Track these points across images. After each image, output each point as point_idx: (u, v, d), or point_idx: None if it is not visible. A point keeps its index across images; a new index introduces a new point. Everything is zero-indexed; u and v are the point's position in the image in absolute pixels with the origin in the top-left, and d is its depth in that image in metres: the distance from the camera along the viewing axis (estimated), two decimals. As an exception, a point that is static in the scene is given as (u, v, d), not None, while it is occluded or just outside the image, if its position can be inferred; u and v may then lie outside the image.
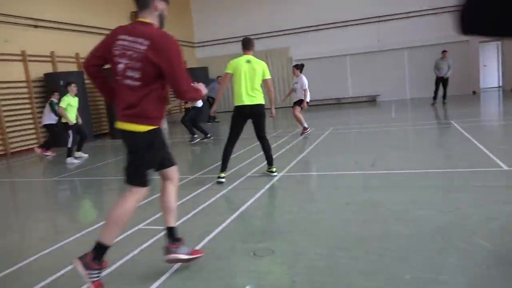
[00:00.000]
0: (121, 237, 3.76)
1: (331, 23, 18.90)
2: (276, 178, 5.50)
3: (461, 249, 2.94)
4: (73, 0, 13.21)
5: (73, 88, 8.94)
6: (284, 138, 9.24)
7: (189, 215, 4.18)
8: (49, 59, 12.19)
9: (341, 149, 7.51)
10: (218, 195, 4.92)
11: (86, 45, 13.29)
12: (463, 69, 16.82)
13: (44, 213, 5.17)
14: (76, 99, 9.06)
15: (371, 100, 18.10)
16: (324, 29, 19.08)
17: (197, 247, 3.27)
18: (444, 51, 13.75)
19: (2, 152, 10.59)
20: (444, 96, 13.94)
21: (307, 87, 9.17)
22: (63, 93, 11.64)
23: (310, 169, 6.02)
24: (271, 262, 2.98)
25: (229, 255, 3.15)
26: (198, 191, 5.20)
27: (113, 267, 3.10)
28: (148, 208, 4.76)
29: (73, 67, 12.92)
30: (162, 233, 3.14)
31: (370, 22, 18.34)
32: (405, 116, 12.07)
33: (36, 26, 11.73)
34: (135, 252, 3.38)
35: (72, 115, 8.81)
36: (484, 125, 8.37)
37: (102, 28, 14.29)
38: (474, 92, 16.98)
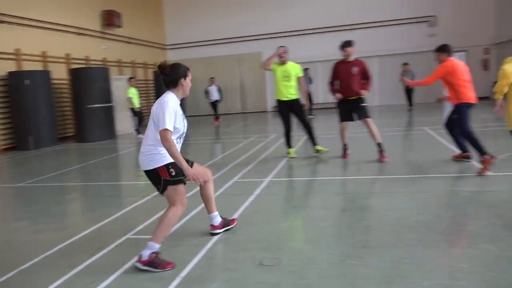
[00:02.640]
0: (110, 247, 3.51)
1: (302, 30, 19.12)
2: (264, 184, 5.36)
3: (471, 254, 2.92)
4: (39, -4, 12.56)
5: (133, 81, 12.80)
6: (260, 144, 9.13)
7: (179, 224, 3.96)
8: (13, 56, 11.49)
9: (324, 154, 7.48)
10: (207, 201, 4.71)
11: (53, 43, 12.81)
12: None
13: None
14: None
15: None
16: (295, 35, 19.25)
17: (195, 260, 3.09)
18: (404, 64, 14.22)
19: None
20: (410, 103, 14.62)
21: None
22: (27, 92, 11.01)
23: (297, 175, 5.93)
24: (280, 273, 2.83)
25: (236, 266, 2.97)
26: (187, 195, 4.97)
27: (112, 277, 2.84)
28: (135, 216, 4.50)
29: (39, 66, 12.24)
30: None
31: (339, 30, 18.69)
32: (380, 122, 12.27)
33: (1, 22, 11.04)
34: (127, 266, 3.13)
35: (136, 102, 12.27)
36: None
37: (72, 27, 13.71)
38: (439, 100, 17.59)
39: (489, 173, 4.92)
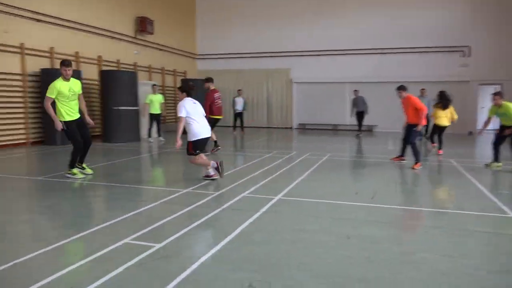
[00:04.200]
0: (104, 251, 3.49)
1: (334, 50, 19.02)
2: (272, 202, 5.26)
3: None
4: (79, -1, 13.05)
5: (155, 88, 13.36)
6: (279, 160, 9.04)
7: (175, 235, 3.90)
8: (48, 54, 11.92)
9: (339, 177, 7.32)
10: (212, 214, 4.66)
11: (85, 44, 13.21)
12: (461, 108, 16.91)
13: (25, 215, 4.84)
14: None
15: (368, 130, 18.06)
16: (326, 54, 19.18)
17: (183, 275, 3.02)
18: (422, 89, 13.84)
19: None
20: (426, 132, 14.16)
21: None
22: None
23: (308, 195, 5.79)
24: (268, 298, 2.72)
25: (223, 286, 2.88)
26: (189, 208, 4.94)
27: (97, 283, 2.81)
28: (135, 221, 4.49)
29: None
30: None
31: (371, 53, 18.50)
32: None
33: (37, 20, 11.50)
34: (120, 270, 3.09)
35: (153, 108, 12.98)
36: (480, 167, 8.28)
37: (105, 30, 14.14)
38: (470, 133, 17.02)
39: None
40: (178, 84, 18.46)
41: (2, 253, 3.53)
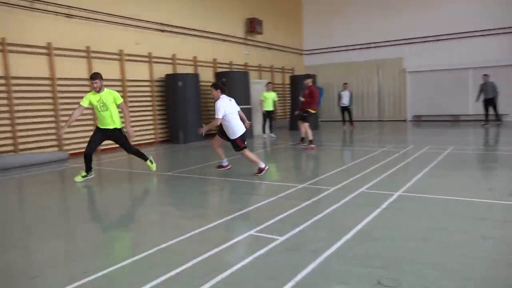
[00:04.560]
0: (232, 241, 3.73)
1: (453, 33, 17.40)
2: (393, 198, 5.05)
3: None
4: (196, 7, 14.07)
5: (270, 86, 13.82)
6: (395, 154, 8.61)
7: (296, 229, 3.99)
8: (170, 61, 13.12)
9: (466, 172, 6.70)
10: (328, 210, 4.66)
11: (202, 49, 14.20)
12: None
13: (159, 207, 5.43)
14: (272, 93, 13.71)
15: (497, 120, 16.14)
16: (443, 39, 17.65)
17: (310, 267, 3.08)
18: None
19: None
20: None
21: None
22: (180, 92, 12.53)
23: (432, 191, 5.41)
24: (400, 296, 2.63)
25: (351, 281, 2.87)
26: (307, 202, 5.00)
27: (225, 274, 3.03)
28: (259, 213, 4.69)
29: (190, 69, 13.75)
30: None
31: (501, 33, 16.47)
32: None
33: (162, 31, 12.71)
34: (249, 259, 3.28)
35: (267, 105, 13.44)
36: None
37: (218, 34, 15.01)
38: None
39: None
40: (287, 81, 18.77)
41: (146, 240, 4.02)
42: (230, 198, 5.84)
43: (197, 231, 4.08)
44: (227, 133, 6.72)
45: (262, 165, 6.66)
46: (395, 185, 5.73)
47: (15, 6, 9.13)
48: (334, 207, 4.76)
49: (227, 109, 6.48)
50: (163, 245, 3.69)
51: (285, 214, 4.51)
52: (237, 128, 6.58)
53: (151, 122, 12.59)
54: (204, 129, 6.72)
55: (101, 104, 6.70)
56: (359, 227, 3.99)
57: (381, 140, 12.16)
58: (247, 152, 6.78)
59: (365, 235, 3.78)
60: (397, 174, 6.59)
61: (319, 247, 3.49)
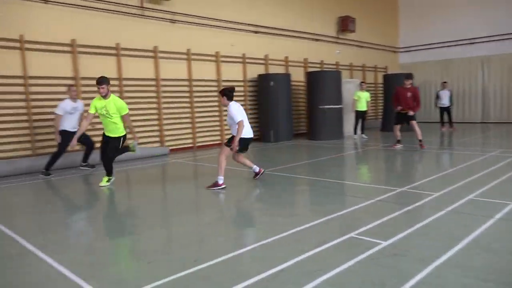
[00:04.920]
0: (333, 242, 3.70)
1: None
2: (508, 208, 4.60)
3: None
4: (287, 8, 14.19)
5: (363, 86, 13.45)
6: (506, 160, 7.82)
7: (400, 235, 3.82)
8: (263, 61, 13.40)
9: None
10: (434, 217, 4.38)
11: (293, 49, 14.27)
12: None
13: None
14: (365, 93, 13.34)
15: None
16: None
17: (419, 275, 2.93)
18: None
19: (213, 143, 12.14)
20: None
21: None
22: (271, 92, 12.75)
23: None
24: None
25: (467, 293, 2.69)
26: (408, 208, 4.77)
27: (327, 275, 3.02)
28: (362, 216, 4.60)
29: (281, 69, 13.90)
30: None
31: None
32: None
33: (255, 32, 13.03)
34: (351, 262, 3.23)
35: (360, 105, 13.12)
36: None
37: (309, 33, 14.96)
38: None
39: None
40: (379, 80, 18.07)
41: (248, 235, 4.16)
42: (325, 198, 5.79)
43: (295, 229, 4.11)
44: (233, 133, 6.53)
45: (221, 181, 6.33)
46: (509, 194, 5.21)
47: (127, 14, 10.05)
48: (439, 214, 4.48)
49: (242, 113, 6.45)
50: (264, 241, 3.79)
51: (386, 218, 4.36)
52: (245, 131, 6.48)
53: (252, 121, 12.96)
54: (235, 144, 6.38)
55: (104, 112, 6.61)
56: (470, 237, 3.70)
57: (487, 144, 11.12)
58: (236, 155, 6.75)
59: (480, 246, 3.49)
60: (510, 182, 5.98)
61: (428, 255, 3.31)
